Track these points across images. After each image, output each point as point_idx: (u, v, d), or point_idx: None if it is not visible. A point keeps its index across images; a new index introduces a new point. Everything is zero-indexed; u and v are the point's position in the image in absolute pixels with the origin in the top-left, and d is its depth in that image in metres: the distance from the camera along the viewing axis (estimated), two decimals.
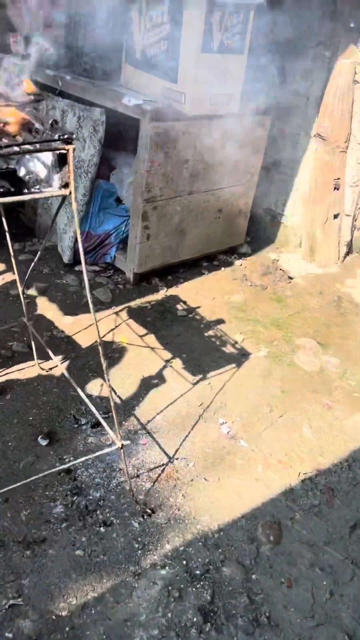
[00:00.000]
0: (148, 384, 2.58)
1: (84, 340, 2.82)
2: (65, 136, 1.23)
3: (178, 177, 3.08)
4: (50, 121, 1.31)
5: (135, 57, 2.87)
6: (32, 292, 3.14)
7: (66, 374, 2.25)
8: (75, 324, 2.93)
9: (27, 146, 1.20)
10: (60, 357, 2.68)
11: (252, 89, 2.97)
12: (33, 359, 2.60)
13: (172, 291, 3.33)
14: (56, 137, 1.23)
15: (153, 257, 3.27)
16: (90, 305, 1.60)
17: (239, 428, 2.37)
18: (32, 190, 1.27)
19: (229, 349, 2.88)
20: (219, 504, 2.03)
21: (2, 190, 1.24)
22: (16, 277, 2.43)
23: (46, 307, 3.03)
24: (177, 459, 2.20)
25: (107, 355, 2.73)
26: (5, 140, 1.21)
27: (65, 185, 1.31)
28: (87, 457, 1.96)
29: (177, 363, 2.74)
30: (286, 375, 2.72)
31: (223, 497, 2.05)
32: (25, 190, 1.27)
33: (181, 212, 3.24)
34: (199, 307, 3.21)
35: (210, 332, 2.99)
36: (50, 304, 3.07)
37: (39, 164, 1.29)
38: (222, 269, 3.65)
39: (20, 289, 2.39)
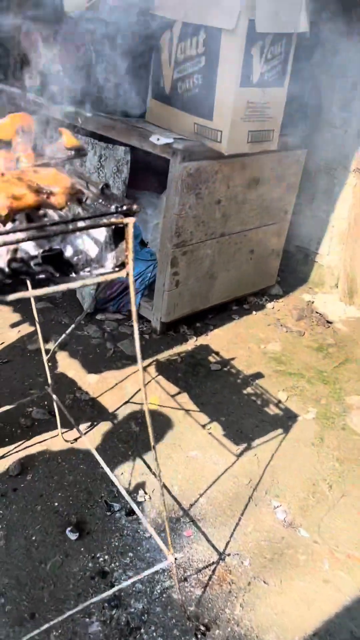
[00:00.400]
0: (186, 456, 2.27)
1: (111, 402, 2.53)
2: (124, 207, 0.96)
3: (209, 219, 2.82)
4: (101, 186, 1.04)
5: (164, 92, 2.63)
6: (50, 345, 2.86)
7: (94, 453, 1.95)
8: (101, 383, 2.64)
9: (80, 223, 0.92)
10: (85, 425, 2.38)
11: (289, 122, 2.73)
12: (56, 428, 2.31)
13: (202, 340, 3.05)
14: (113, 208, 0.96)
15: (182, 304, 3.00)
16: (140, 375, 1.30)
17: (295, 512, 2.06)
18: (82, 273, 1.00)
19: (272, 410, 2.58)
20: (285, 616, 1.71)
21: (45, 276, 0.96)
22: (38, 329, 2.11)
23: (67, 364, 2.75)
24: (228, 555, 1.89)
25: (138, 421, 2.43)
26: (53, 215, 0.94)
27: (121, 265, 1.04)
28: (132, 580, 1.64)
29: (217, 428, 2.44)
30: (341, 443, 2.41)
31: (289, 607, 1.74)
32: (74, 275, 1.00)
33: (212, 256, 2.97)
34: (233, 358, 2.92)
35: (249, 390, 2.70)
36: (72, 359, 2.78)
37: (89, 241, 1.02)
38: (254, 312, 3.37)
39: (42, 348, 2.11)
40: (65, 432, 2.31)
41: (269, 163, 2.90)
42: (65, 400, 2.49)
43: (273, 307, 3.44)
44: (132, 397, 2.58)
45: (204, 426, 2.44)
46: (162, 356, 2.89)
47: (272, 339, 3.12)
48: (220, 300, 3.22)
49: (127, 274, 1.03)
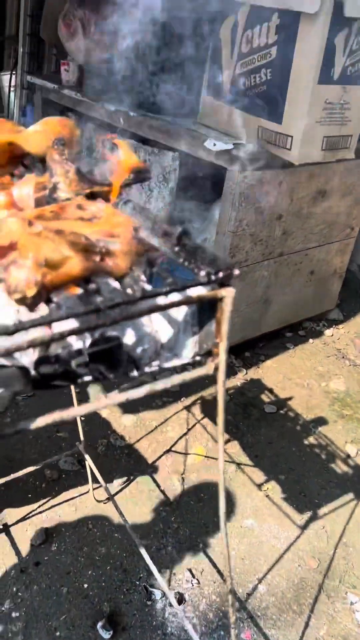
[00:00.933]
0: (240, 526, 1.90)
1: (150, 449, 2.18)
2: (220, 274, 0.59)
3: (268, 237, 2.43)
4: (178, 234, 0.68)
5: (222, 89, 2.25)
6: None
7: (129, 531, 1.60)
8: (138, 426, 2.28)
9: (155, 300, 0.57)
10: (120, 480, 2.03)
11: None
12: (86, 481, 1.96)
13: (253, 373, 2.67)
14: (203, 275, 0.59)
15: (232, 332, 2.59)
16: None
17: None
18: (147, 369, 0.65)
19: (340, 467, 2.18)
20: None
21: (92, 378, 0.61)
22: None
23: None
24: None
25: (182, 476, 2.07)
26: (110, 287, 0.59)
27: (208, 354, 0.67)
28: None
29: (275, 490, 2.05)
30: None
31: None
32: (135, 373, 0.64)
33: (268, 278, 2.58)
34: (290, 398, 2.53)
35: (312, 440, 2.31)
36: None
37: (160, 321, 0.66)
38: (310, 340, 2.97)
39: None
40: (97, 487, 1.96)
41: (338, 173, 2.49)
42: (97, 446, 2.15)
43: (332, 335, 3.04)
44: (174, 443, 2.22)
45: (259, 486, 2.06)
46: (209, 392, 2.52)
47: (334, 374, 2.72)
48: (273, 327, 2.83)
49: (216, 368, 0.67)
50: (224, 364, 0.68)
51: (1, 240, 0.63)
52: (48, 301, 0.61)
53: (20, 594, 1.64)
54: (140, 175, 0.84)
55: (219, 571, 1.73)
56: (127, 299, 0.59)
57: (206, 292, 0.62)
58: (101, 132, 2.54)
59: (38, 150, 0.98)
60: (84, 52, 2.70)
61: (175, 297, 0.61)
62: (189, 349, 0.69)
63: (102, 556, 1.76)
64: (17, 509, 1.88)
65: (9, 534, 1.80)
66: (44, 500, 1.92)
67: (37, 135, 0.99)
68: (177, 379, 0.69)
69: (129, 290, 0.65)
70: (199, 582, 1.71)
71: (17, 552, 1.75)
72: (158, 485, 2.03)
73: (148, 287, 0.68)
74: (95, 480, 1.95)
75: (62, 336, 0.54)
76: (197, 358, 0.71)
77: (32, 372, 0.59)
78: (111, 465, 2.09)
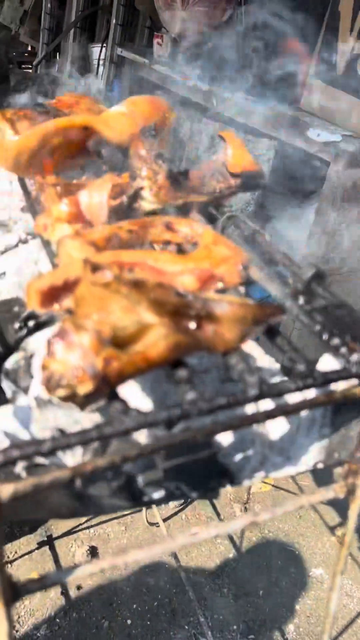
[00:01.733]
0: (308, 576, 1.67)
1: None
2: None
3: None
4: (308, 278, 0.46)
5: (335, 72, 1.96)
6: None
7: (179, 567, 1.41)
8: None
9: (280, 400, 0.35)
10: (176, 502, 1.85)
11: None
12: None
13: None
14: (355, 367, 0.37)
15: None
16: None
17: None
18: (246, 482, 0.43)
19: None
20: None
21: (167, 495, 0.41)
22: None
23: None
24: None
25: (243, 502, 1.86)
26: (211, 373, 0.39)
27: (337, 464, 0.45)
28: None
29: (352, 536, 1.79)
30: None
31: None
32: (229, 485, 0.43)
33: None
34: None
35: None
36: None
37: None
38: None
39: None
40: (150, 507, 1.79)
41: None
42: None
43: None
44: None
45: (332, 529, 1.82)
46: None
47: None
48: None
49: (350, 491, 0.44)
50: None
51: (55, 275, 0.43)
52: (111, 396, 0.40)
53: (58, 620, 1.50)
54: (252, 182, 0.62)
55: (280, 629, 1.52)
56: (235, 398, 0.38)
57: (344, 390, 0.40)
58: (192, 114, 2.31)
59: (119, 138, 0.77)
60: (180, 25, 2.47)
61: (310, 393, 0.39)
62: (311, 455, 0.47)
63: (150, 589, 1.59)
64: (63, 520, 1.75)
65: (52, 548, 1.67)
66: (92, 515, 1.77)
67: (120, 119, 0.78)
68: (290, 505, 0.47)
69: (235, 379, 0.43)
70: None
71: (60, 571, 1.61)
72: (217, 513, 1.83)
73: (269, 376, 0.46)
74: None
75: (125, 459, 0.34)
76: (320, 466, 0.49)
77: (77, 486, 0.39)
78: None
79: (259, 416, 0.40)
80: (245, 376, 0.42)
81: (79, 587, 1.58)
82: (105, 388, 0.39)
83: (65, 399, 0.39)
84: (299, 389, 0.40)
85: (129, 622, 1.51)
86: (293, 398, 0.42)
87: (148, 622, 1.52)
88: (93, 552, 1.66)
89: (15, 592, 0.44)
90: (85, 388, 0.38)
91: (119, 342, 0.40)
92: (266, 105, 2.18)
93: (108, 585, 1.58)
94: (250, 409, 0.43)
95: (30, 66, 4.02)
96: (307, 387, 0.40)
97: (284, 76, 2.24)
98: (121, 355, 0.39)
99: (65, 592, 1.56)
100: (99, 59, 3.44)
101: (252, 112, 2.17)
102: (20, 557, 1.62)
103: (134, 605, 1.55)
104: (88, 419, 0.46)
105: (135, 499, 0.46)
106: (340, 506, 1.88)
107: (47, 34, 3.46)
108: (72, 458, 0.44)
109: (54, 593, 1.56)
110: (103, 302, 0.42)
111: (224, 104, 2.24)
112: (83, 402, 0.39)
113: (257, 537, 1.76)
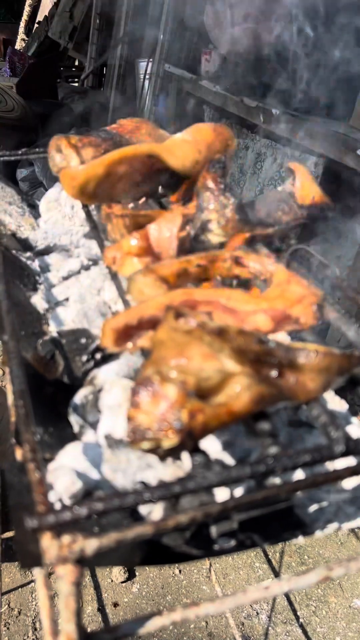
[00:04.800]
0: (349, 606, 1.62)
1: None
2: None
3: None
4: None
5: None
6: None
7: (218, 589, 1.39)
8: None
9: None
10: None
11: None
12: None
13: None
14: None
15: None
16: None
17: None
18: (318, 533, 0.42)
19: None
20: None
21: (238, 546, 0.40)
22: None
23: None
24: None
25: None
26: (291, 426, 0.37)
27: None
28: None
29: None
30: None
31: None
32: (301, 540, 0.45)
33: None
34: None
35: None
36: None
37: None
38: None
39: None
40: None
41: None
42: None
43: None
44: None
45: None
46: None
47: None
48: None
49: None
50: None
51: (130, 314, 0.43)
52: (193, 450, 0.40)
53: None
54: (320, 214, 0.61)
55: None
56: (320, 455, 0.37)
57: None
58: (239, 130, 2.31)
59: (184, 166, 0.77)
60: (229, 42, 2.48)
61: None
62: None
63: None
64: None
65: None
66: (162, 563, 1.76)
67: (184, 147, 0.78)
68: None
69: (318, 432, 0.42)
70: None
71: (97, 586, 1.61)
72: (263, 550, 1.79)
73: (354, 429, 0.45)
74: None
75: (207, 516, 0.33)
76: None
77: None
78: None
79: (344, 473, 0.39)
80: (330, 431, 0.41)
81: (115, 604, 1.57)
82: (189, 442, 0.39)
83: (149, 451, 0.39)
84: None
85: None
86: None
87: None
88: (130, 570, 1.65)
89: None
90: (170, 442, 0.38)
91: (202, 392, 0.39)
92: (315, 122, 2.16)
93: (144, 605, 1.57)
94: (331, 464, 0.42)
95: (77, 79, 4.10)
96: None
97: (334, 92, 2.22)
98: (206, 408, 0.39)
99: (101, 609, 1.56)
100: (144, 74, 3.48)
101: (298, 128, 2.15)
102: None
103: (170, 627, 1.54)
104: (161, 463, 0.45)
105: (206, 549, 0.46)
106: None
107: (95, 48, 3.52)
108: (145, 507, 0.44)
109: (90, 609, 1.56)
110: (183, 348, 0.41)
111: (271, 120, 2.23)
112: (165, 454, 0.39)
113: (297, 562, 1.72)
